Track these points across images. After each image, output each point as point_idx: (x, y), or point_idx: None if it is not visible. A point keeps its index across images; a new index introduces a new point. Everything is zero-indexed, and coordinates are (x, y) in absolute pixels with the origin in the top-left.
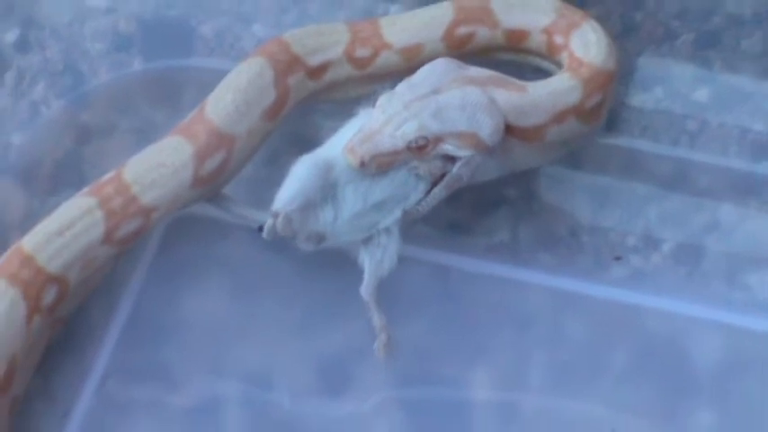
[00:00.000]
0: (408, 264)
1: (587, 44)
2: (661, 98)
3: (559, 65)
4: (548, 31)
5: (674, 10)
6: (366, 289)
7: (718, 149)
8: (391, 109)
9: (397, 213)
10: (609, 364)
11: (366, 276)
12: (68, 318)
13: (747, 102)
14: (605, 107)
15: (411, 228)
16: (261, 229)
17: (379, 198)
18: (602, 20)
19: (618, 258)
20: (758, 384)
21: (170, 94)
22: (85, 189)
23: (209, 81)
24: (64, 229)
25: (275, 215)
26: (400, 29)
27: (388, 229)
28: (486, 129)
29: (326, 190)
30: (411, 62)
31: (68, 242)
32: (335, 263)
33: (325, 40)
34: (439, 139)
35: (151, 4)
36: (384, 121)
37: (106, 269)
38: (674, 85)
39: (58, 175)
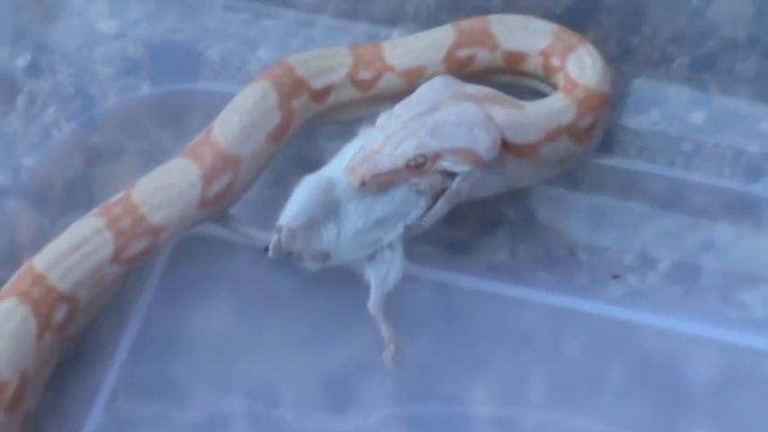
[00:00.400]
0: (410, 282)
1: (583, 67)
2: (657, 120)
3: (555, 87)
4: (545, 54)
5: (670, 34)
6: (373, 304)
7: (713, 170)
8: (390, 129)
9: (399, 229)
10: (606, 380)
11: (372, 291)
12: (78, 335)
13: (742, 124)
14: (598, 129)
15: (413, 245)
16: (267, 248)
17: (380, 215)
18: (600, 43)
19: (615, 277)
20: (754, 401)
21: (177, 117)
22: (95, 210)
23: (215, 104)
24: (74, 249)
25: (279, 230)
26: (402, 52)
27: (391, 245)
28: (483, 144)
29: (329, 208)
30: (413, 84)
31: (78, 261)
32: (340, 280)
33: (329, 64)
34: (437, 156)
35: (159, 29)
36: (383, 141)
37: (115, 287)
38: (669, 107)
39: (68, 197)
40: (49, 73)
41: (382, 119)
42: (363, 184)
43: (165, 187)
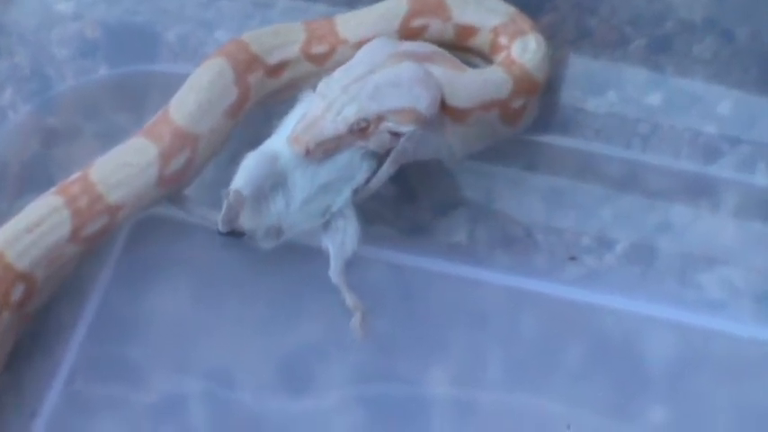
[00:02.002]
0: (368, 264)
1: (526, 50)
2: (614, 102)
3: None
4: (496, 31)
5: (627, 16)
6: (334, 272)
7: (670, 152)
8: (330, 94)
9: (347, 194)
10: (564, 361)
11: (332, 261)
12: (36, 315)
13: (698, 105)
14: (526, 114)
15: (370, 226)
16: (221, 233)
17: (325, 180)
18: (557, 26)
19: (573, 258)
20: (709, 381)
21: (135, 99)
22: (53, 189)
23: (173, 86)
24: (32, 228)
25: (227, 195)
26: (355, 24)
27: (343, 213)
28: (424, 102)
29: (275, 179)
30: None
31: (36, 240)
32: (296, 261)
33: (283, 40)
34: (380, 119)
35: (117, 11)
36: (325, 107)
37: (73, 267)
38: (626, 89)
39: (25, 178)
40: (5, 54)
41: (322, 85)
42: (308, 152)
43: (123, 166)
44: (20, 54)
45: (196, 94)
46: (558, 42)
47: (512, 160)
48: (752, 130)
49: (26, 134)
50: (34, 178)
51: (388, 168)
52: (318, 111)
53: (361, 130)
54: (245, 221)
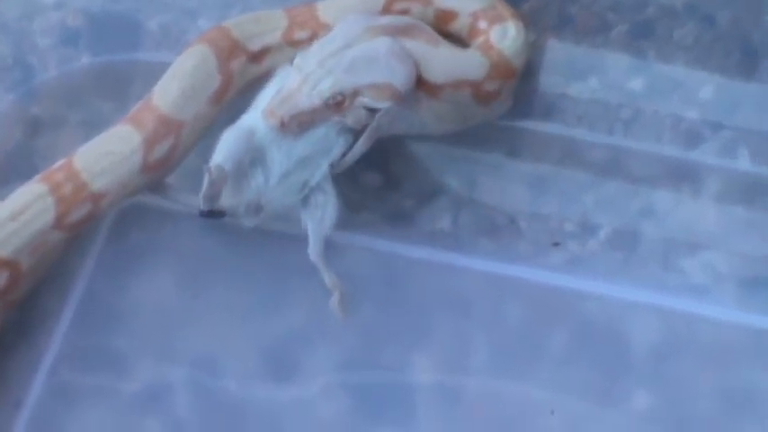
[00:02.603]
0: (352, 251)
1: (505, 36)
2: (596, 88)
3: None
4: (475, 15)
5: (609, 2)
6: (313, 250)
7: (652, 137)
8: (307, 68)
9: (324, 168)
10: (548, 347)
11: (311, 238)
12: (20, 303)
13: (680, 90)
14: (502, 98)
15: (355, 214)
16: (203, 213)
17: (302, 154)
18: (539, 12)
19: (556, 244)
20: (692, 365)
21: (118, 87)
22: (37, 177)
23: (156, 73)
24: (16, 215)
25: (208, 171)
26: (336, 9)
27: (321, 188)
28: (400, 77)
29: (254, 154)
30: None
31: (20, 227)
32: (281, 249)
33: (264, 26)
34: (356, 93)
35: (99, 0)
36: (301, 81)
37: (57, 254)
38: (608, 74)
39: (9, 167)
40: None
41: (299, 58)
42: (283, 125)
43: (107, 154)
44: (2, 43)
45: (179, 81)
46: (540, 28)
47: (494, 147)
48: (734, 115)
49: (9, 123)
50: (18, 167)
51: (363, 143)
52: (294, 84)
53: (336, 104)
54: (226, 198)
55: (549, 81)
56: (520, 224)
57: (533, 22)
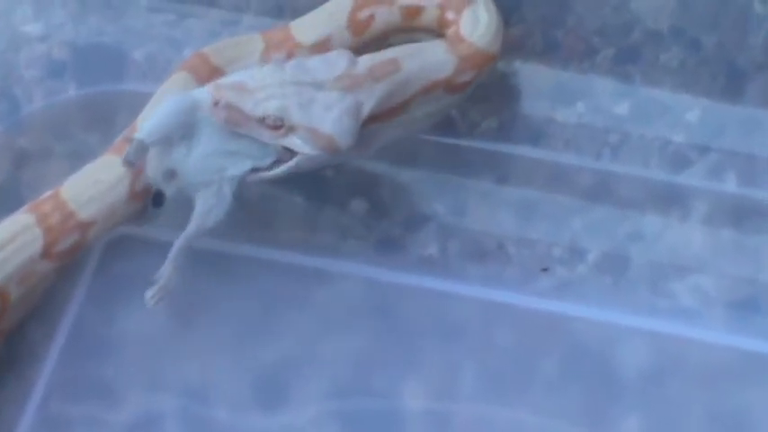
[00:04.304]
0: (341, 279)
1: (475, 23)
2: (583, 112)
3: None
4: (441, 6)
5: (594, 26)
6: (185, 235)
7: (639, 161)
8: (271, 79)
9: (246, 167)
10: (538, 372)
11: (191, 221)
12: (9, 333)
13: (667, 114)
14: (474, 83)
15: (342, 241)
16: (154, 201)
17: (234, 148)
18: (524, 37)
19: (545, 269)
20: (684, 388)
21: (104, 119)
22: (24, 207)
23: (141, 104)
24: (4, 245)
25: (131, 141)
26: (308, 27)
27: (224, 187)
28: (344, 134)
29: (186, 128)
30: None
31: (8, 257)
32: (269, 279)
33: (242, 51)
34: (293, 128)
35: (84, 31)
36: (258, 86)
37: (46, 284)
38: (595, 99)
39: None
40: None
41: (272, 66)
42: (216, 104)
43: (94, 183)
44: None
45: None
46: (526, 54)
47: (482, 172)
48: (720, 138)
49: None
50: (5, 199)
51: (279, 173)
52: (252, 84)
53: (273, 126)
54: (148, 167)
55: (535, 106)
56: (508, 250)
57: (519, 46)
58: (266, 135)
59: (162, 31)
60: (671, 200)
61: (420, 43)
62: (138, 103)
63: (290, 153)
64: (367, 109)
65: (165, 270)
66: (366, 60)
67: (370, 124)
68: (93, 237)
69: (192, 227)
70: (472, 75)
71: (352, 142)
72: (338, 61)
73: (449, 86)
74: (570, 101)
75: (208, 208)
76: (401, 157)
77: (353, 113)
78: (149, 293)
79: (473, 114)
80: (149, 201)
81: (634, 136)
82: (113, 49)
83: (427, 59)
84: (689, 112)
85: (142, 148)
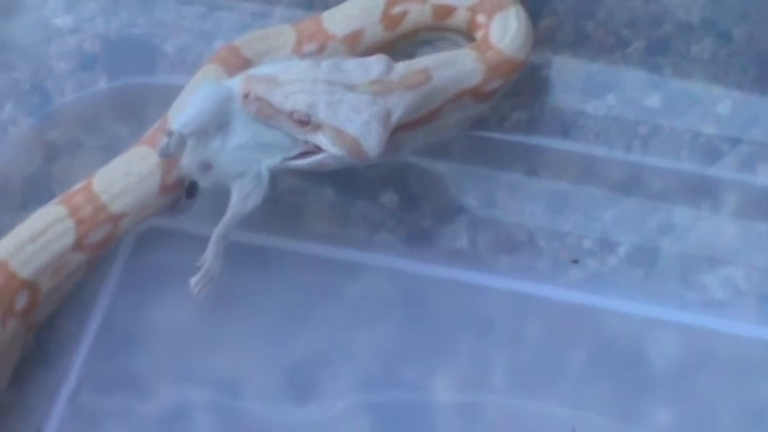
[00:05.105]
0: (371, 271)
1: (505, 30)
2: (614, 104)
3: (472, 41)
4: (473, 9)
5: (625, 19)
6: (225, 220)
7: (670, 153)
8: (303, 75)
9: (277, 160)
10: (568, 364)
11: (229, 210)
12: (41, 325)
13: (698, 106)
14: (504, 89)
15: (372, 233)
16: (188, 193)
17: (268, 140)
18: (555, 29)
19: (575, 261)
20: (714, 381)
21: (134, 111)
22: (56, 199)
23: (172, 97)
24: (36, 237)
25: (170, 134)
26: (340, 19)
27: (261, 175)
28: (371, 139)
29: (221, 118)
30: (355, 49)
31: (40, 249)
32: (301, 270)
33: (273, 42)
34: (319, 126)
35: (115, 24)
36: (290, 80)
37: (77, 276)
38: (626, 91)
39: (27, 192)
40: (5, 69)
41: (307, 62)
42: (246, 96)
43: (125, 175)
44: (20, 69)
45: None
46: (557, 46)
47: (513, 164)
48: (751, 130)
49: (27, 148)
50: (36, 192)
51: (303, 164)
52: (283, 78)
53: (299, 121)
54: (184, 159)
55: (566, 98)
56: (539, 242)
57: (549, 39)
58: (295, 130)
59: (192, 24)
60: (702, 192)
61: (450, 52)
62: (168, 95)
63: (319, 149)
64: (396, 117)
65: (208, 257)
66: (400, 68)
67: (398, 132)
68: (124, 229)
69: (229, 213)
70: (500, 83)
71: (380, 150)
72: (375, 66)
73: (477, 94)
74: (601, 93)
75: (245, 194)
76: (431, 149)
77: (382, 120)
78: (194, 281)
79: (503, 107)
80: (183, 192)
81: (665, 128)
82: (144, 42)
83: (457, 69)
84: (720, 104)
85: (181, 141)
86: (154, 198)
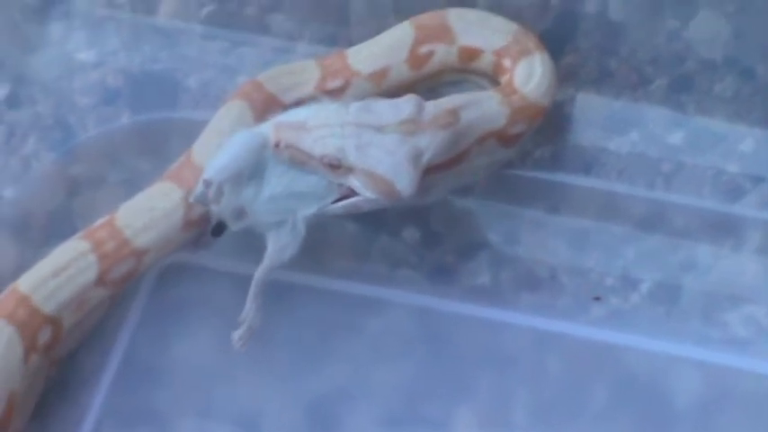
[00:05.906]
0: (393, 307)
1: (530, 75)
2: (636, 141)
3: (497, 84)
4: (498, 53)
5: (648, 56)
6: (261, 272)
7: (693, 191)
8: (331, 119)
9: (313, 209)
10: (590, 401)
11: (265, 260)
12: (63, 360)
13: (721, 144)
14: (527, 135)
15: (395, 269)
16: (214, 231)
17: (303, 189)
18: (578, 66)
19: (597, 299)
20: (737, 420)
21: (157, 146)
22: (79, 234)
23: (195, 132)
24: (59, 272)
25: (207, 183)
26: (366, 56)
27: (297, 225)
28: (404, 180)
29: (256, 166)
30: (381, 86)
31: (63, 284)
32: (321, 306)
33: (298, 78)
34: (351, 170)
35: (137, 59)
36: (318, 125)
37: (100, 311)
38: (648, 128)
39: (50, 227)
40: (28, 104)
41: (335, 107)
42: (277, 145)
43: (149, 210)
44: (42, 103)
45: (218, 138)
46: (580, 83)
47: (535, 201)
48: None
49: (50, 183)
50: (58, 227)
51: (337, 209)
52: (312, 122)
53: (330, 165)
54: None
55: (589, 135)
56: (561, 279)
57: (572, 76)
58: (329, 174)
59: (215, 59)
60: (724, 229)
61: (476, 93)
62: (191, 130)
63: (354, 192)
64: (427, 157)
65: (249, 312)
66: (431, 107)
67: (430, 174)
68: (147, 264)
69: (266, 264)
70: (523, 127)
71: (412, 190)
72: (406, 106)
73: (502, 138)
74: (623, 130)
75: (282, 245)
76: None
77: (413, 159)
78: (236, 335)
79: (526, 143)
80: (209, 230)
81: (688, 165)
82: (167, 77)
83: (483, 110)
84: (743, 142)
85: (219, 190)
86: (177, 233)
